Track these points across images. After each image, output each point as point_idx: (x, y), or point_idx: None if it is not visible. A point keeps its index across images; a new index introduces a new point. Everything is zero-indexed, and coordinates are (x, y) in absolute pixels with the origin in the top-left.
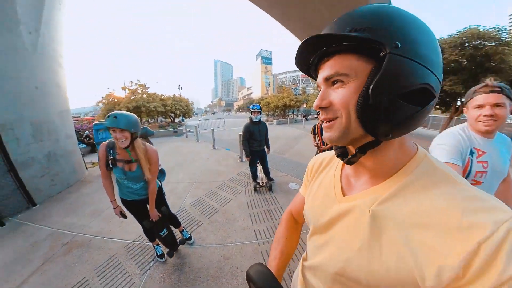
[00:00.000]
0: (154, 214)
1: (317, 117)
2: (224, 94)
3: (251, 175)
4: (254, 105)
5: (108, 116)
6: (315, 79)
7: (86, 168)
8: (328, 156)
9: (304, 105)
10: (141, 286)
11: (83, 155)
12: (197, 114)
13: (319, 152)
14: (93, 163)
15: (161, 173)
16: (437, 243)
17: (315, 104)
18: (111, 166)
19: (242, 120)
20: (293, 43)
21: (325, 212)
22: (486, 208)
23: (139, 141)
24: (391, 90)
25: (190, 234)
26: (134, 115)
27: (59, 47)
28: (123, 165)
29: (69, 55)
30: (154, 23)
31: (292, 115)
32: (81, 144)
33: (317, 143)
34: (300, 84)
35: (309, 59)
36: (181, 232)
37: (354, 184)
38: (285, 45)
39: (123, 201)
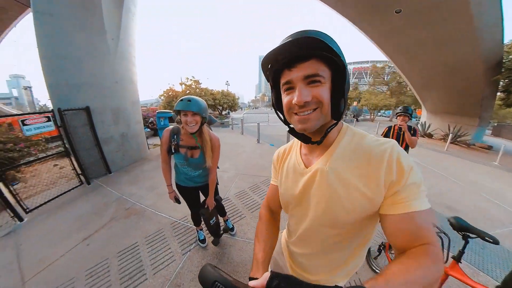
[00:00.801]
0: (211, 202)
1: (396, 118)
2: (267, 89)
3: None
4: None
5: (182, 100)
6: (268, 77)
7: (148, 148)
8: (285, 147)
9: (355, 103)
10: (181, 265)
11: (147, 137)
12: (242, 108)
13: None
14: (154, 145)
15: None
16: (369, 170)
17: (299, 99)
18: (173, 151)
19: None
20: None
21: (297, 185)
22: (381, 143)
23: (206, 128)
24: (346, 90)
25: (233, 225)
26: (204, 101)
27: (132, 49)
28: (186, 151)
29: (139, 55)
30: (207, 23)
31: None
32: (146, 129)
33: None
34: (352, 79)
35: (285, 56)
36: (225, 221)
37: (311, 158)
38: (335, 36)
39: (178, 186)
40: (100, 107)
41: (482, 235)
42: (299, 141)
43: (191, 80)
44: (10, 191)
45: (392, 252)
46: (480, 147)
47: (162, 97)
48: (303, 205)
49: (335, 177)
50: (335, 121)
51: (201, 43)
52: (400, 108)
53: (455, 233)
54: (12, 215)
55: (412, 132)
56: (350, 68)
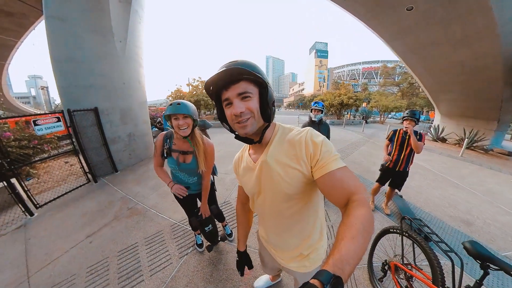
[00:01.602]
0: (205, 210)
1: (402, 122)
2: (275, 90)
3: None
4: (315, 102)
5: (171, 104)
6: (213, 97)
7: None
8: (239, 155)
9: (365, 104)
10: (177, 268)
11: (154, 137)
12: None
13: (386, 166)
14: None
15: (214, 169)
16: (295, 151)
17: (236, 111)
18: (165, 155)
19: (292, 117)
20: (354, 31)
21: (252, 178)
22: (299, 132)
23: (197, 131)
24: (269, 101)
25: (231, 230)
26: (193, 105)
27: (140, 51)
28: (177, 156)
29: (149, 57)
30: (213, 23)
31: (348, 116)
32: (153, 128)
33: (389, 157)
34: (360, 79)
35: (223, 81)
36: (224, 227)
37: (257, 156)
38: (344, 34)
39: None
40: (108, 107)
41: (508, 269)
42: (247, 146)
43: (198, 81)
44: (23, 187)
45: (402, 277)
46: (499, 153)
47: (170, 98)
48: (261, 191)
49: (274, 163)
50: (267, 123)
51: (208, 43)
52: (406, 112)
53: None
54: (23, 209)
55: (418, 137)
56: (359, 68)
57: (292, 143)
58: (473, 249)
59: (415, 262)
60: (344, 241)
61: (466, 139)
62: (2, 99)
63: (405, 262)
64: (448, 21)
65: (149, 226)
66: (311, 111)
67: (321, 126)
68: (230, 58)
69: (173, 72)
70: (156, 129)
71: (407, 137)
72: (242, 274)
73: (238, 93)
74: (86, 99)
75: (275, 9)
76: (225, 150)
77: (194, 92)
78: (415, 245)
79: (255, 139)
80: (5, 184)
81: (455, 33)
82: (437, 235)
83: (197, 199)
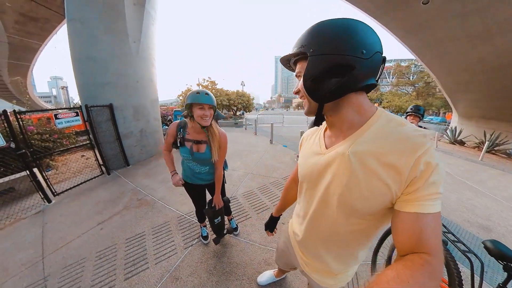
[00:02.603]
0: (219, 201)
1: (406, 117)
2: (284, 90)
3: None
4: None
5: (198, 93)
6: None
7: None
8: (313, 129)
9: (377, 105)
10: (181, 258)
11: (164, 134)
12: (257, 109)
13: None
14: None
15: (225, 163)
16: (399, 161)
17: (293, 91)
18: (179, 145)
19: (301, 118)
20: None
21: (314, 166)
22: (421, 135)
23: (214, 122)
24: (311, 75)
25: (237, 225)
26: None
27: (152, 51)
28: (191, 145)
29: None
30: (223, 24)
31: None
32: (164, 126)
33: None
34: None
35: (287, 63)
36: (229, 220)
37: (334, 141)
38: None
39: (185, 183)
40: (122, 104)
41: None
42: (325, 124)
43: (207, 81)
44: (43, 177)
45: None
46: None
47: (180, 97)
48: (317, 187)
49: (357, 162)
50: (317, 103)
51: (218, 44)
52: (410, 107)
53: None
54: (42, 196)
55: None
56: None
57: (402, 145)
58: (495, 248)
59: None
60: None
61: (486, 142)
62: (27, 97)
63: None
64: (466, 14)
65: (157, 217)
66: None
67: None
68: (240, 58)
69: (183, 72)
70: (167, 127)
71: None
72: (266, 229)
73: (296, 74)
74: (102, 96)
75: (285, 9)
76: (233, 148)
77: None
78: None
79: (316, 121)
80: (28, 173)
81: (474, 28)
82: (453, 234)
83: (206, 190)
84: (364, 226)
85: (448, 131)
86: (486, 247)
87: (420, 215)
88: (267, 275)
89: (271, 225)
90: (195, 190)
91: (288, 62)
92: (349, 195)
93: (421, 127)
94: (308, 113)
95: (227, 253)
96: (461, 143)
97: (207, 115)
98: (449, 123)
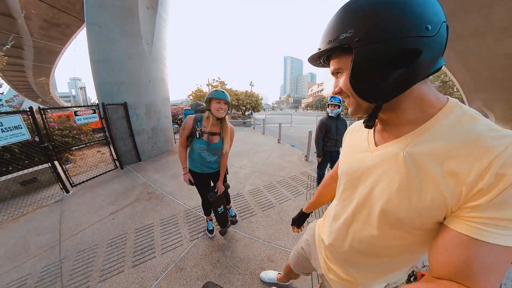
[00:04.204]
0: (221, 186)
1: None
2: (293, 90)
3: (316, 178)
4: (332, 97)
5: (217, 90)
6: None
7: (175, 142)
8: (361, 121)
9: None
10: (187, 250)
11: (174, 132)
12: (265, 109)
13: None
14: None
15: None
16: (462, 166)
17: (332, 91)
18: (197, 136)
19: (310, 118)
20: None
21: (358, 163)
22: (498, 136)
23: (226, 116)
24: (363, 71)
25: (235, 213)
26: None
27: (164, 52)
28: (208, 137)
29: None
30: (233, 24)
31: None
32: (174, 125)
33: None
34: None
35: (317, 60)
36: (228, 209)
37: (386, 137)
38: None
39: (193, 173)
40: (135, 102)
41: None
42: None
43: (217, 81)
44: (63, 169)
45: None
46: None
47: (190, 97)
48: (358, 188)
49: (413, 165)
50: (375, 103)
51: (228, 44)
52: None
53: None
54: (61, 187)
55: None
56: None
57: (468, 148)
58: None
59: None
60: None
61: None
62: (50, 96)
63: None
64: (494, 5)
65: (165, 209)
66: (328, 106)
67: (338, 122)
68: (249, 59)
69: (193, 72)
70: (177, 125)
71: None
72: (293, 224)
73: (332, 72)
74: (117, 94)
75: (295, 8)
76: (241, 146)
77: None
78: None
79: (368, 122)
80: (50, 165)
81: (502, 21)
82: None
83: (210, 180)
84: (407, 242)
85: None
86: None
87: (473, 241)
88: (270, 275)
89: (299, 221)
90: (202, 179)
91: (318, 59)
92: (397, 203)
93: None
94: (355, 114)
95: (231, 247)
96: None
97: (222, 108)
98: None
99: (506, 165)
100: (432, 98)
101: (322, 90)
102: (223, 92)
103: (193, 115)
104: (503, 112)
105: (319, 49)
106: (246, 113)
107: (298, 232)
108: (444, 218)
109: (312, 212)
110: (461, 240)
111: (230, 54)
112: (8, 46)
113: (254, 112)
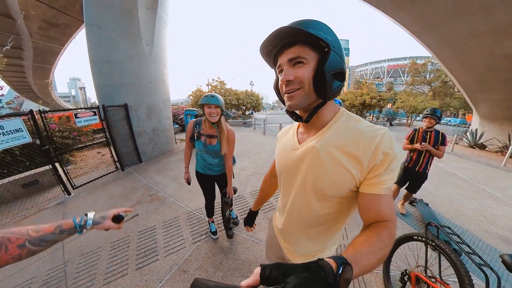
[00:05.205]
0: (231, 190)
1: (422, 120)
2: None
3: None
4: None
5: (206, 96)
6: (270, 64)
7: (176, 143)
8: (287, 127)
9: (390, 105)
10: (190, 252)
11: (175, 133)
12: (265, 108)
13: (406, 165)
14: (181, 140)
15: (233, 159)
16: (357, 152)
17: (283, 78)
18: (195, 138)
19: None
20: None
21: (290, 159)
22: (374, 129)
23: (222, 119)
24: (331, 70)
25: (236, 215)
26: (222, 98)
27: (164, 53)
28: (205, 139)
29: (172, 58)
30: (233, 24)
31: (371, 117)
32: (175, 125)
33: (421, 146)
34: (385, 78)
35: (273, 45)
36: (230, 211)
37: (306, 137)
38: (367, 30)
39: (197, 173)
40: (136, 104)
41: None
42: (299, 122)
43: (216, 81)
44: (64, 171)
45: None
46: None
47: (190, 97)
48: (293, 177)
49: (325, 154)
50: (321, 100)
51: (227, 43)
52: (427, 110)
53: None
54: (63, 189)
55: (440, 139)
56: (384, 66)
57: (357, 139)
58: None
59: (440, 276)
60: (361, 247)
61: (511, 146)
62: (51, 98)
63: (428, 274)
64: (492, 6)
65: (167, 212)
66: None
67: None
68: (249, 58)
69: (193, 72)
70: (178, 125)
71: (428, 136)
72: (245, 225)
73: (289, 59)
74: (118, 96)
75: (294, 7)
76: (242, 147)
77: (214, 92)
78: (443, 257)
79: (303, 117)
80: (51, 167)
81: (500, 22)
82: (468, 245)
83: (215, 182)
84: (335, 209)
85: (468, 133)
86: (504, 262)
87: (381, 196)
88: None
89: (250, 220)
90: (205, 181)
91: (282, 38)
92: (321, 182)
93: (438, 132)
94: (297, 107)
95: (234, 250)
96: (482, 146)
97: (214, 112)
98: (470, 124)
99: (386, 147)
100: (335, 107)
101: None
102: (212, 96)
103: (194, 119)
104: (488, 111)
105: (297, 28)
106: (247, 112)
107: (252, 230)
108: (357, 188)
109: (259, 209)
110: (373, 198)
111: (230, 54)
112: (7, 47)
113: (255, 111)
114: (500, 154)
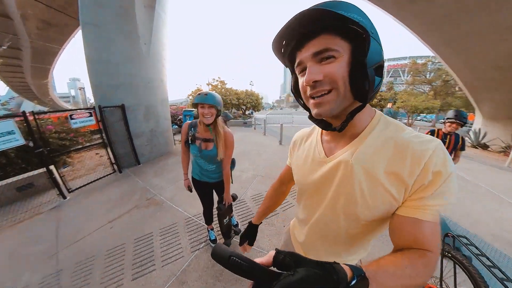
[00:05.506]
0: (228, 198)
1: (445, 123)
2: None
3: None
4: None
5: (199, 94)
6: (285, 62)
7: (174, 144)
8: (305, 131)
9: (390, 104)
10: (188, 263)
11: (174, 134)
12: (265, 108)
13: None
14: (180, 141)
15: (233, 163)
16: (402, 170)
17: (308, 79)
18: (190, 142)
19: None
20: (380, 28)
21: (315, 174)
22: (424, 142)
23: (219, 121)
24: (373, 64)
25: (237, 221)
26: (219, 96)
27: (163, 52)
28: (200, 143)
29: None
30: (234, 24)
31: None
32: (174, 126)
33: None
34: (386, 77)
35: (289, 38)
36: (230, 218)
37: (334, 147)
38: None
39: (193, 180)
40: (133, 104)
41: None
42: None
43: (217, 80)
44: (59, 174)
45: None
46: None
47: (190, 97)
48: (320, 196)
49: (361, 171)
50: (361, 103)
51: (227, 43)
52: (452, 112)
53: None
54: (58, 193)
55: (461, 142)
56: (385, 65)
57: (402, 153)
58: None
59: None
60: (386, 266)
61: None
62: (49, 97)
63: (443, 286)
64: (496, 4)
65: (165, 217)
66: None
67: None
68: (249, 58)
69: (193, 72)
70: (177, 126)
71: (448, 140)
72: (240, 244)
73: (314, 53)
74: (115, 96)
75: (294, 7)
76: (243, 147)
77: (214, 92)
78: (458, 268)
79: (334, 125)
80: (45, 170)
81: (504, 20)
82: (488, 258)
83: (213, 190)
84: (367, 229)
85: (470, 133)
86: None
87: (422, 221)
88: None
89: (251, 235)
90: (202, 188)
91: (305, 25)
92: (354, 206)
93: (458, 135)
94: (329, 114)
95: None
96: (485, 147)
97: (207, 113)
98: (472, 124)
99: (438, 165)
100: (369, 110)
101: None
102: (206, 94)
103: (189, 121)
104: (491, 111)
105: (325, 10)
106: (247, 112)
107: (249, 250)
108: (394, 209)
109: (261, 223)
110: (414, 222)
111: (230, 54)
112: (4, 47)
113: (255, 111)
114: (503, 154)
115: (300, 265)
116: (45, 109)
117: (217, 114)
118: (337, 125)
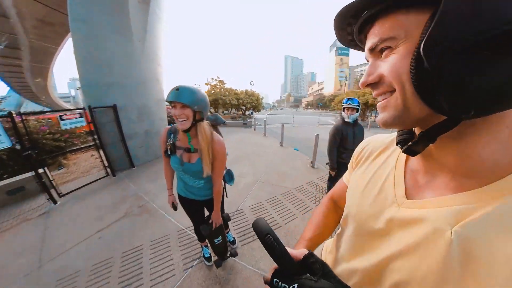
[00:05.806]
0: (217, 218)
1: None
2: (293, 89)
3: (326, 190)
4: (349, 99)
5: (171, 90)
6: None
7: None
8: (386, 140)
9: None
10: (179, 283)
11: None
12: (265, 108)
13: None
14: None
15: (229, 175)
16: None
17: (361, 81)
18: (169, 152)
19: (311, 118)
20: None
21: (380, 218)
22: None
23: (204, 126)
24: (458, 38)
25: (234, 237)
26: (202, 91)
27: (158, 50)
28: (181, 154)
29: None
30: (232, 23)
31: (373, 117)
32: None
33: None
34: None
35: (351, 29)
36: (225, 235)
37: (425, 185)
38: None
39: (179, 196)
40: (126, 105)
41: None
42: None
43: (216, 80)
44: (48, 177)
45: None
46: None
47: None
48: (372, 246)
49: (461, 253)
50: (447, 117)
51: (228, 42)
52: None
53: None
54: (48, 197)
55: None
56: None
57: None
58: None
59: None
60: None
61: None
62: (44, 97)
63: None
64: None
65: (156, 227)
66: (343, 110)
67: (356, 128)
68: (249, 57)
69: (192, 71)
70: None
71: None
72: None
73: (369, 49)
74: (107, 96)
75: (295, 7)
76: (241, 150)
77: (213, 92)
78: None
79: (414, 146)
80: (34, 173)
81: None
82: None
83: (203, 207)
84: None
85: None
86: None
87: None
88: None
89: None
90: (190, 205)
91: (358, 12)
92: None
93: None
94: (392, 124)
95: (231, 280)
96: None
97: (179, 115)
98: None
99: None
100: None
101: (322, 89)
102: (177, 89)
103: (169, 126)
104: None
105: None
106: (247, 112)
107: None
108: None
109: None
110: None
111: (230, 54)
112: (1, 47)
113: (255, 111)
114: None
115: (326, 278)
116: (45, 109)
117: (195, 117)
118: (418, 150)
